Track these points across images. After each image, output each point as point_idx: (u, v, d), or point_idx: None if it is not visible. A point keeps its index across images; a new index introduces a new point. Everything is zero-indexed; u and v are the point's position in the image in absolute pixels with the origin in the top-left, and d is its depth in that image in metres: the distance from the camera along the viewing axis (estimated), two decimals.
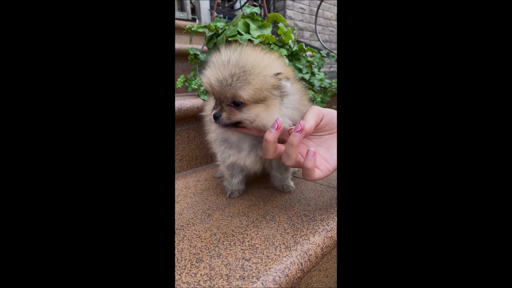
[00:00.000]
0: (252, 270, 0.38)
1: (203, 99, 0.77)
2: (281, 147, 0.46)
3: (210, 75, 0.46)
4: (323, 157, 0.48)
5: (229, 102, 0.45)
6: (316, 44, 3.13)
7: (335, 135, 0.49)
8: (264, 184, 0.66)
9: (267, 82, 0.44)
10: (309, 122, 0.45)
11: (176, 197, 0.62)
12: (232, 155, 0.53)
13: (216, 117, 0.46)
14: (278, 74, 0.45)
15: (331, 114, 0.48)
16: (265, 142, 0.44)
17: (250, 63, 0.44)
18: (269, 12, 2.72)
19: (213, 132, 0.55)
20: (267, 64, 0.46)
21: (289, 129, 0.46)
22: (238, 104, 0.45)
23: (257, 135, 0.49)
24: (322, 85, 0.99)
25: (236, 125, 0.47)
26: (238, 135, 0.51)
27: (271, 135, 0.43)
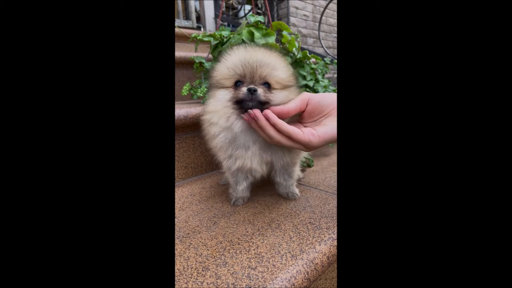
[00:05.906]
0: (258, 279, 0.38)
1: None
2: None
3: (246, 54, 0.50)
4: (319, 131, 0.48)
5: (262, 82, 0.49)
6: (320, 50, 3.15)
7: (331, 116, 0.49)
8: (269, 191, 0.66)
9: (291, 70, 0.53)
10: (287, 105, 0.49)
11: (182, 204, 0.62)
12: (239, 158, 0.52)
13: (253, 91, 0.46)
14: None
15: (318, 98, 0.50)
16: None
17: (277, 55, 0.52)
18: (272, 19, 2.75)
19: (218, 136, 0.52)
20: (286, 59, 0.54)
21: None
22: (268, 87, 0.50)
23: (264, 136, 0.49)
24: (327, 92, 0.99)
25: (262, 106, 0.48)
26: (246, 134, 0.51)
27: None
